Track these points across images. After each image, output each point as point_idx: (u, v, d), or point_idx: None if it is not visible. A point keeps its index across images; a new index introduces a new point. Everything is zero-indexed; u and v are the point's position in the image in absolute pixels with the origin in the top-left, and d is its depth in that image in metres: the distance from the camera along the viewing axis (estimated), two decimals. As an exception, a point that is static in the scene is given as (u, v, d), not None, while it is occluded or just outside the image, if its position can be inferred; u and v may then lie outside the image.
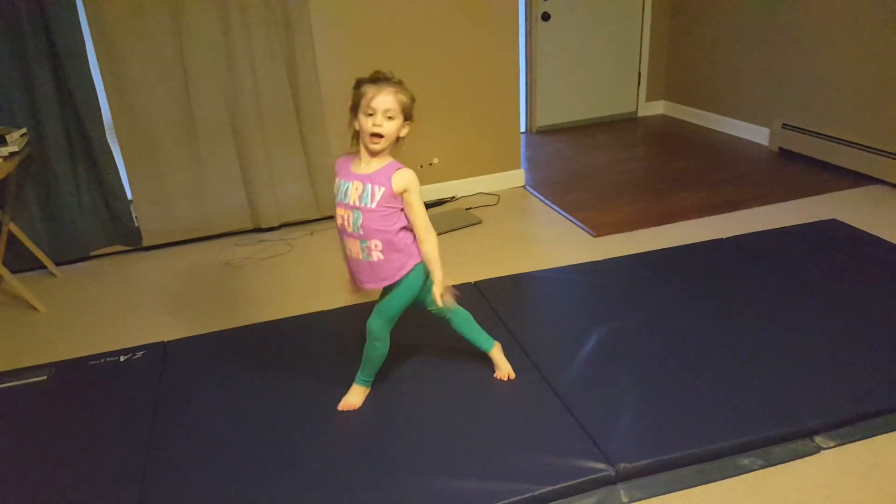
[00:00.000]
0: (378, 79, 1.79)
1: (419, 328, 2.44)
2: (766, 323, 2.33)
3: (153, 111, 3.16)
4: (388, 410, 2.02)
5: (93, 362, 2.38)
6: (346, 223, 1.83)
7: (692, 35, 4.83)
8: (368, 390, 2.08)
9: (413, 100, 1.81)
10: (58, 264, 3.21)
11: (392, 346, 2.34)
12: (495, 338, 2.16)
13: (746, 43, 4.35)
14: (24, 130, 2.93)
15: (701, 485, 1.72)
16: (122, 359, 2.38)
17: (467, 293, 2.65)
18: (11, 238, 3.03)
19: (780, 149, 4.18)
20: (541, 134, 5.04)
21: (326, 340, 2.42)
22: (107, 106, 3.10)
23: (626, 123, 5.16)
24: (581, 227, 3.32)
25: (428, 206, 3.62)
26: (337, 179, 1.87)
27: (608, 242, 3.13)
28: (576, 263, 2.88)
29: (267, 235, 3.47)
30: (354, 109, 1.80)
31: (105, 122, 3.12)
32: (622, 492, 1.71)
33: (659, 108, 5.33)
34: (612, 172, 4.11)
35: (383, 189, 1.78)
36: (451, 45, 3.55)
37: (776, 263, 2.75)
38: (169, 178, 3.28)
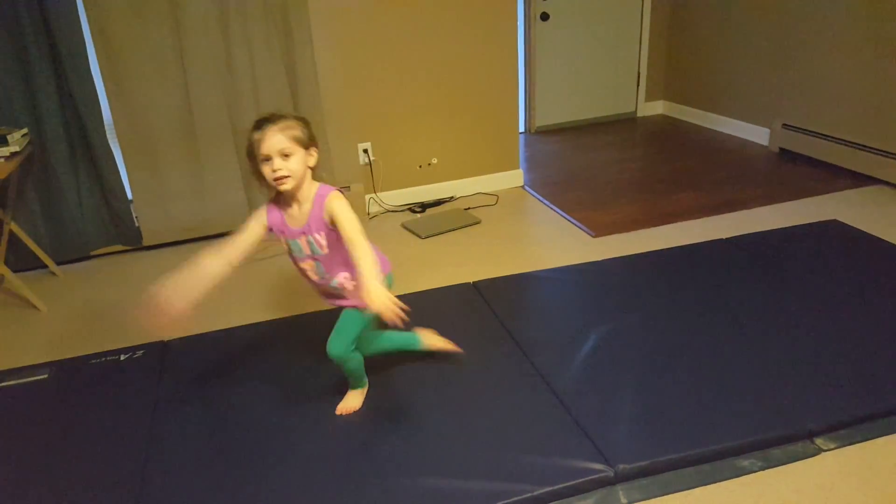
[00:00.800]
0: (260, 123, 1.71)
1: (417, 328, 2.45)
2: (765, 324, 2.33)
3: (153, 111, 3.16)
4: (386, 410, 2.03)
5: (93, 361, 2.39)
6: (310, 273, 1.85)
7: (692, 34, 4.84)
8: (366, 389, 2.09)
9: (307, 126, 1.75)
10: (59, 264, 3.22)
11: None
12: (496, 338, 2.14)
13: (747, 42, 4.36)
14: (25, 131, 2.93)
15: (700, 486, 1.72)
16: (122, 357, 2.39)
17: (466, 293, 2.66)
18: (13, 238, 3.04)
19: (781, 149, 4.19)
20: (540, 134, 5.04)
21: (325, 340, 2.41)
22: (107, 106, 3.10)
23: (625, 123, 5.17)
24: (580, 228, 3.33)
25: (427, 206, 3.68)
26: (281, 237, 1.82)
27: (607, 243, 3.14)
28: (575, 264, 2.88)
29: (268, 236, 3.47)
30: (251, 158, 1.74)
31: (105, 123, 3.13)
32: (621, 493, 1.71)
33: (658, 107, 5.33)
34: (611, 172, 4.11)
35: (323, 231, 1.77)
36: (449, 44, 3.55)
37: (776, 264, 2.76)
38: (169, 178, 3.28)
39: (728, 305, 2.46)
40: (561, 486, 1.70)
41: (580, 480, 1.71)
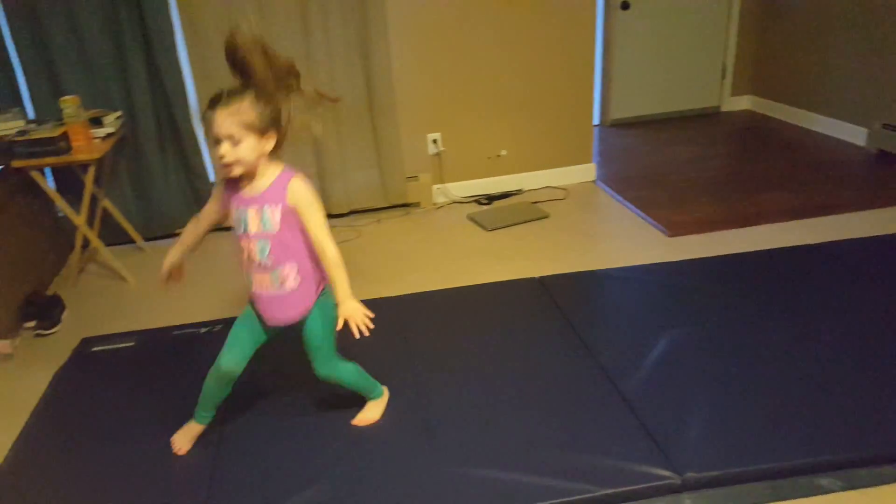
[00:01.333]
0: (215, 101, 1.53)
1: (483, 322, 2.45)
2: (853, 337, 2.18)
3: (236, 97, 3.27)
4: (451, 401, 2.03)
5: (176, 332, 2.52)
6: (252, 255, 1.66)
7: (786, 24, 4.57)
8: (387, 396, 2.01)
9: (267, 106, 1.55)
10: (146, 240, 3.39)
11: (457, 338, 2.35)
12: (561, 336, 2.10)
13: (847, 33, 4.08)
14: (119, 113, 3.10)
15: (773, 502, 1.64)
16: (202, 330, 2.51)
17: (532, 288, 2.63)
18: (106, 213, 3.23)
19: (880, 150, 3.91)
20: (615, 127, 4.91)
21: (390, 326, 2.44)
22: (194, 91, 3.23)
23: (707, 119, 4.95)
24: (654, 226, 3.22)
25: (494, 198, 3.65)
26: (231, 207, 1.67)
27: (683, 243, 3.02)
28: (647, 263, 2.79)
29: (336, 222, 3.54)
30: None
31: (191, 108, 3.27)
32: (687, 501, 1.66)
33: (744, 103, 5.08)
34: (690, 169, 3.95)
35: (280, 206, 1.60)
36: (525, 34, 3.49)
37: (868, 274, 2.57)
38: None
39: (814, 316, 2.32)
40: (623, 489, 1.66)
41: (644, 486, 1.66)
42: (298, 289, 1.70)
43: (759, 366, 2.07)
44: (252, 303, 1.79)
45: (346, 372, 1.88)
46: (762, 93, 4.95)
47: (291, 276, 1.68)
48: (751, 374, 2.04)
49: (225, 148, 1.54)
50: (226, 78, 3.36)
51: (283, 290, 1.69)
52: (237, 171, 1.58)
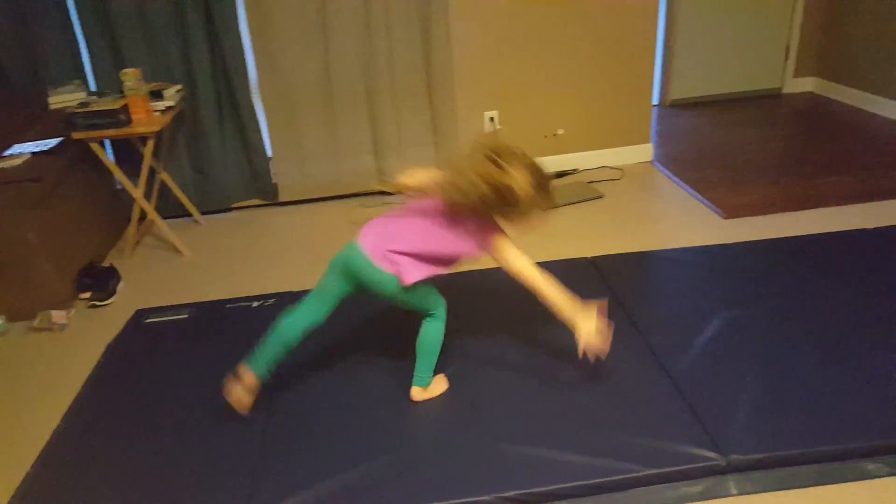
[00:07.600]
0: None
1: (533, 301, 2.45)
2: (913, 324, 2.11)
3: (295, 73, 3.31)
4: (498, 379, 2.05)
5: (229, 305, 2.57)
6: None
7: (852, 4, 4.35)
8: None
9: None
10: (202, 213, 3.49)
11: (506, 317, 2.37)
12: (612, 316, 2.08)
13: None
14: (179, 87, 3.16)
15: (819, 485, 1.63)
16: (254, 304, 2.55)
17: (584, 269, 2.62)
18: (163, 187, 3.34)
19: (953, 134, 3.72)
20: (674, 107, 4.79)
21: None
22: (254, 67, 3.29)
23: (768, 100, 4.78)
24: (710, 208, 3.16)
25: (549, 177, 3.62)
26: None
27: (739, 225, 2.95)
28: (702, 245, 2.74)
29: (391, 198, 3.58)
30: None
31: (251, 83, 3.33)
32: (731, 483, 1.65)
33: (808, 84, 4.88)
34: (749, 151, 3.84)
35: None
36: (585, 10, 3.43)
37: (934, 261, 2.48)
38: (306, 138, 3.45)
39: (868, 300, 2.25)
40: (668, 469, 1.66)
41: (689, 466, 1.66)
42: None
43: (810, 350, 2.04)
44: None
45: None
46: (826, 74, 4.74)
47: None
48: (802, 358, 2.01)
49: None
50: (284, 48, 3.37)
51: None
52: None
